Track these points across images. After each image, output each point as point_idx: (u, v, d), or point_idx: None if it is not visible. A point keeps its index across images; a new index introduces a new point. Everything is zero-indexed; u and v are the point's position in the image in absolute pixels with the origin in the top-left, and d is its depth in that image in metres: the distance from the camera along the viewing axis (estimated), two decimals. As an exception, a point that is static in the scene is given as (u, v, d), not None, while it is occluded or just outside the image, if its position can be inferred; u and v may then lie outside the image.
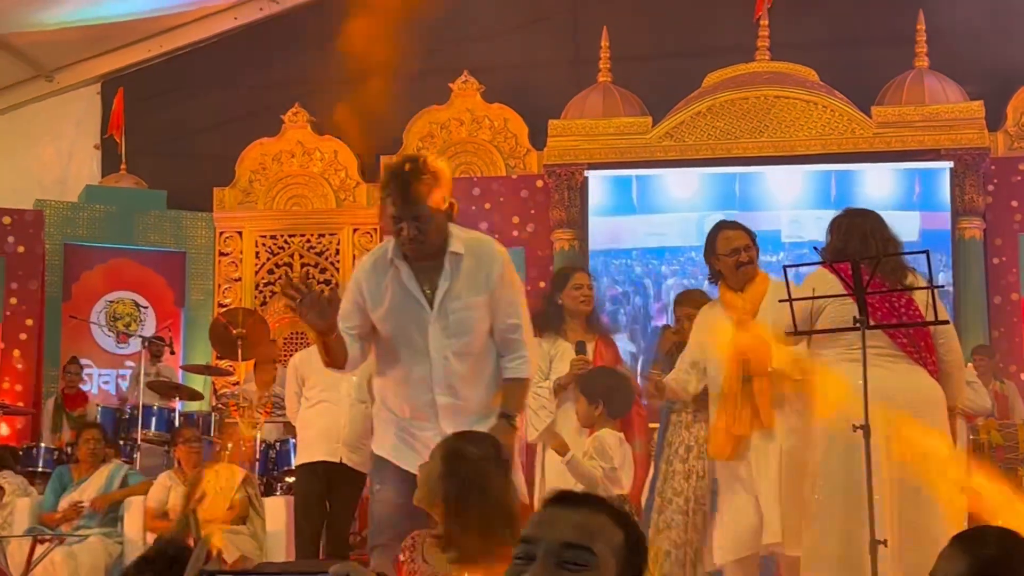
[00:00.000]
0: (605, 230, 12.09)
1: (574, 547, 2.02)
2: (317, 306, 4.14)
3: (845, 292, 4.93)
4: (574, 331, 6.44)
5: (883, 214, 5.43)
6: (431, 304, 4.34)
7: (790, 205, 11.77)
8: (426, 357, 4.40)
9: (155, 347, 11.04)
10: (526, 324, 4.37)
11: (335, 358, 4.40)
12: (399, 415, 4.46)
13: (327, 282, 12.85)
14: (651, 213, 12.04)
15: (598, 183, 12.14)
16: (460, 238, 4.34)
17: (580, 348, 6.28)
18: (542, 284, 11.85)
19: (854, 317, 4.87)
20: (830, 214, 5.53)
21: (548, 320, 6.41)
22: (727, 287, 5.86)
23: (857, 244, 5.15)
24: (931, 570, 2.72)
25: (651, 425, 7.23)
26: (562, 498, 2.13)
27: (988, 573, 2.60)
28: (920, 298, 5.11)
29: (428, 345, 4.38)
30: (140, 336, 11.34)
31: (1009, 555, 2.62)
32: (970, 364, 10.29)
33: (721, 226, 5.95)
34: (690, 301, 6.72)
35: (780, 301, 5.10)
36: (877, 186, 11.63)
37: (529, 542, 2.06)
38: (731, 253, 5.79)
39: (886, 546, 4.61)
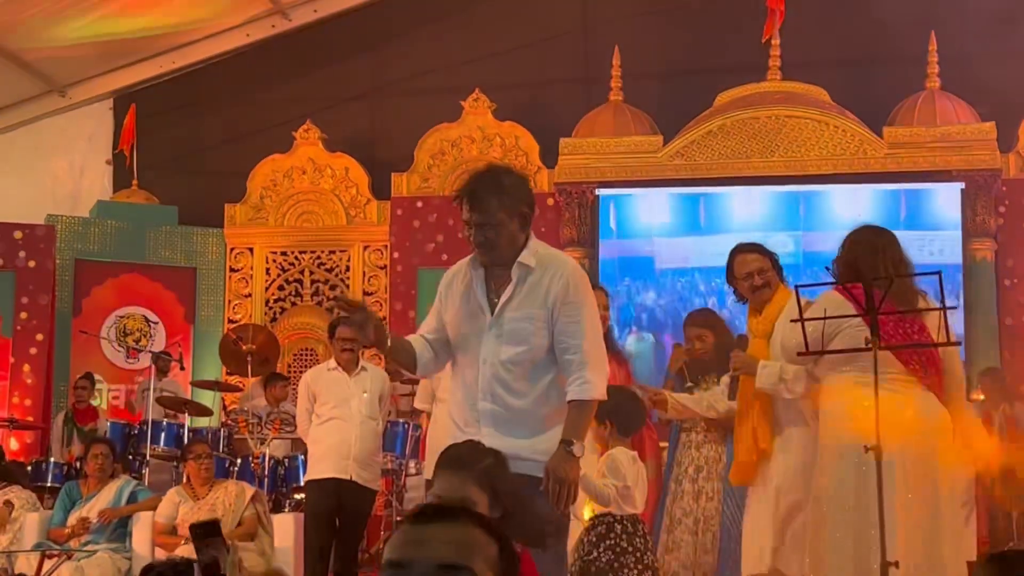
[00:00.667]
0: (672, 249, 12.07)
1: (452, 568, 1.84)
2: (363, 322, 4.32)
3: (857, 313, 4.92)
4: None
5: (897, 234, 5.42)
6: (492, 311, 4.37)
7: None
8: (478, 362, 4.44)
9: (162, 363, 11.05)
10: (590, 345, 4.30)
11: (402, 365, 4.69)
12: (456, 422, 4.50)
13: (337, 299, 12.86)
14: (717, 233, 11.94)
15: (664, 200, 12.11)
16: (535, 251, 4.39)
17: None
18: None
19: (866, 338, 4.85)
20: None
21: None
22: (751, 308, 5.88)
23: (867, 257, 5.12)
24: None
25: (662, 444, 7.22)
26: (429, 513, 1.93)
27: None
28: (931, 323, 5.09)
29: (480, 349, 4.44)
30: (150, 351, 11.35)
31: None
32: (977, 388, 10.29)
33: (738, 249, 5.95)
34: (696, 321, 6.73)
35: (792, 321, 5.09)
36: (888, 206, 11.62)
37: (399, 566, 1.86)
38: (746, 277, 5.80)
39: (898, 568, 4.59)
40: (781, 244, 10.46)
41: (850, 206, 11.60)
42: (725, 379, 6.03)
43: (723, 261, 6.01)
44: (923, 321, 5.07)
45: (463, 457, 3.63)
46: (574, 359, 4.28)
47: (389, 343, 4.43)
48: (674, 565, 6.33)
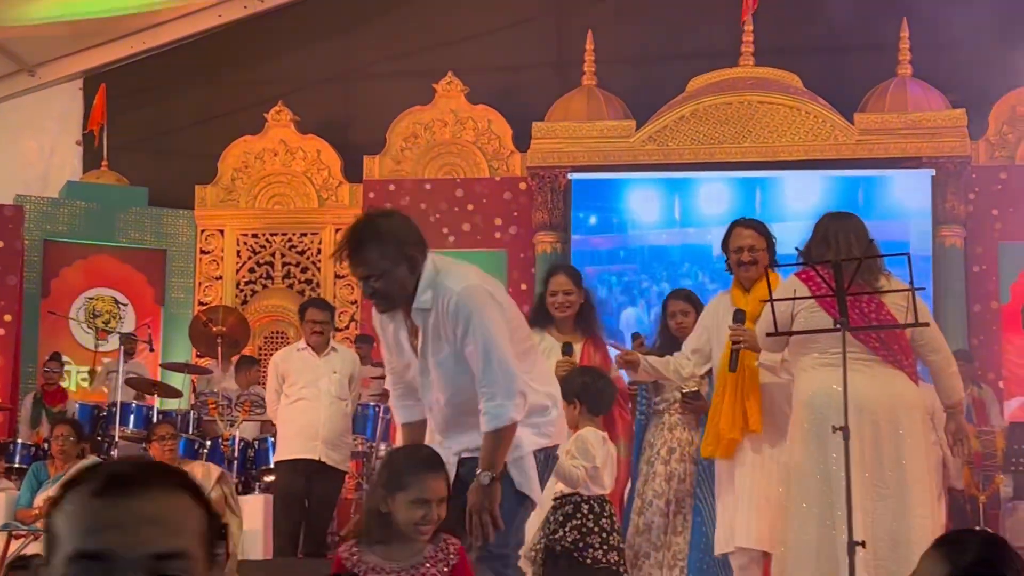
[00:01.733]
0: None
1: (168, 557, 1.43)
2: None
3: (825, 294, 4.94)
4: (562, 331, 6.40)
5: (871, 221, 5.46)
6: (416, 354, 4.34)
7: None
8: (426, 400, 4.44)
9: (128, 344, 10.98)
10: (491, 368, 4.12)
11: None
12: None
13: (308, 281, 12.84)
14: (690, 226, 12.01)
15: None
16: (430, 283, 4.21)
17: (567, 350, 6.23)
18: (524, 287, 11.88)
19: (834, 319, 4.87)
20: None
21: (537, 317, 6.39)
22: (736, 282, 5.89)
23: (819, 246, 5.17)
24: (913, 571, 2.71)
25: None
26: (123, 480, 1.46)
27: None
28: (891, 301, 5.12)
29: (423, 395, 4.42)
30: (119, 333, 11.29)
31: (989, 562, 2.61)
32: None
33: (737, 223, 5.99)
34: (680, 296, 6.76)
35: (762, 301, 5.10)
36: (859, 192, 11.67)
37: (96, 558, 1.41)
38: (736, 251, 5.83)
39: (864, 547, 4.61)
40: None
41: (817, 193, 11.62)
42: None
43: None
44: (881, 300, 5.10)
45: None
46: (482, 390, 4.16)
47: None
48: (645, 547, 6.33)
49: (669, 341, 6.54)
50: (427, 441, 4.59)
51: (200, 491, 1.57)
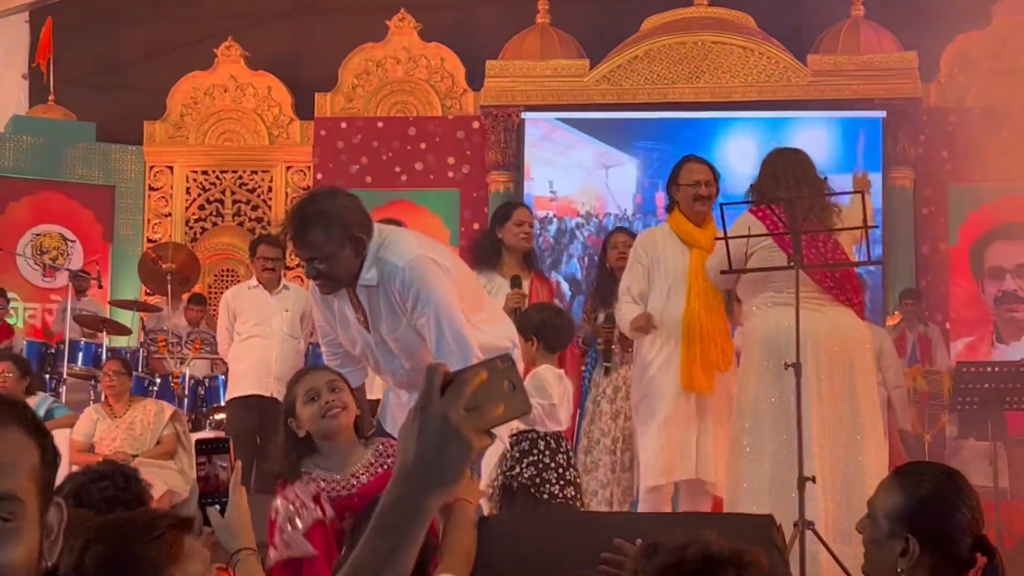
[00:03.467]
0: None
1: None
2: None
3: (780, 232, 4.97)
4: (510, 267, 6.44)
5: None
6: (367, 329, 4.30)
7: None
8: (382, 371, 4.43)
9: (79, 282, 10.87)
10: (444, 340, 4.12)
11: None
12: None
13: (259, 219, 12.74)
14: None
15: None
16: (375, 260, 4.15)
17: (516, 282, 6.30)
18: (476, 226, 11.84)
19: (788, 257, 4.90)
20: None
21: (485, 255, 6.41)
22: (685, 218, 5.87)
23: (769, 183, 5.19)
24: (869, 498, 2.75)
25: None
26: None
27: (922, 511, 2.63)
28: (845, 240, 5.16)
29: (379, 363, 4.40)
30: (67, 269, 11.18)
31: (943, 496, 2.65)
32: (896, 311, 10.47)
33: (688, 159, 6.01)
34: (625, 231, 6.83)
35: (716, 239, 5.12)
36: (812, 134, 11.70)
37: None
38: (692, 185, 5.84)
39: (815, 483, 4.67)
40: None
41: (770, 134, 11.65)
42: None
43: None
44: (836, 238, 5.14)
45: None
46: (435, 359, 4.14)
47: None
48: (593, 485, 6.39)
49: (606, 275, 6.62)
50: (392, 398, 4.63)
51: (36, 424, 1.48)
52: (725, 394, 5.72)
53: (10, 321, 11.28)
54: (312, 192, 4.33)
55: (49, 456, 1.47)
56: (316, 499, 3.61)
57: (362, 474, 3.69)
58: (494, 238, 6.49)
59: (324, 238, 4.09)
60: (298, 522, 3.55)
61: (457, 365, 4.04)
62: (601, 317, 6.53)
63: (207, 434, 8.42)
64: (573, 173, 12.19)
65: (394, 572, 1.45)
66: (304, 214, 4.11)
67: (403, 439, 1.46)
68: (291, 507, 3.58)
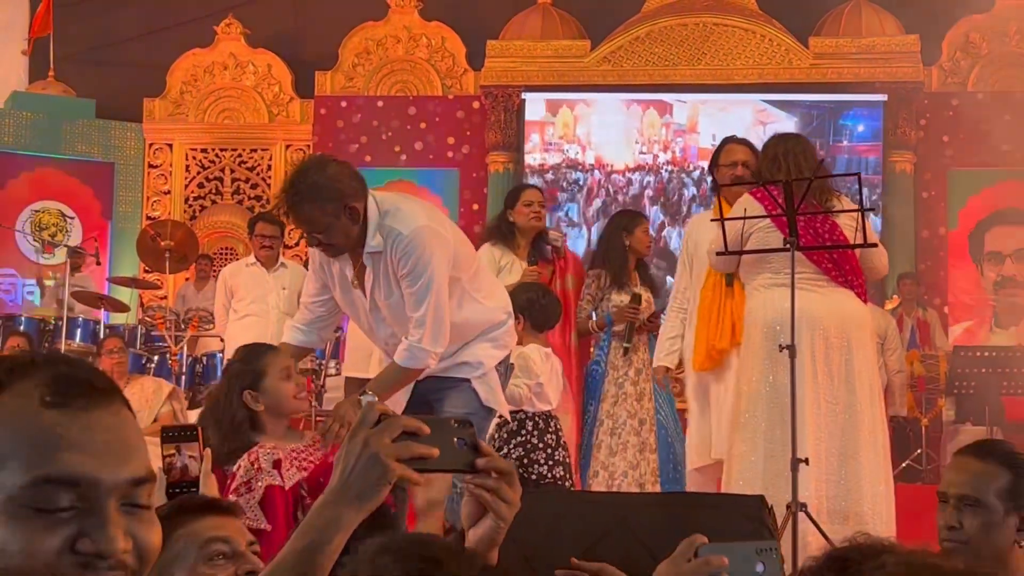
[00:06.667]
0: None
1: (142, 482, 1.28)
2: None
3: (776, 213, 4.96)
4: (523, 247, 6.47)
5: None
6: (365, 294, 4.31)
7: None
8: (376, 337, 4.46)
9: (74, 258, 10.85)
10: (432, 311, 4.15)
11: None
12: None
13: (258, 198, 12.72)
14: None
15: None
16: (379, 227, 4.16)
17: (532, 260, 6.34)
18: (476, 207, 11.84)
19: (784, 239, 4.89)
20: None
21: (501, 235, 6.46)
22: (723, 199, 5.87)
23: (770, 167, 5.19)
24: (964, 492, 2.72)
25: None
26: (71, 387, 1.26)
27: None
28: (845, 221, 5.15)
29: (372, 329, 4.42)
30: (66, 246, 11.16)
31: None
32: (895, 295, 10.47)
33: (729, 139, 6.03)
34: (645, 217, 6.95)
35: (712, 220, 5.11)
36: (812, 116, 11.68)
37: (70, 484, 1.22)
38: (731, 165, 5.84)
39: (807, 464, 4.67)
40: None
41: (772, 116, 11.65)
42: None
43: None
44: (835, 220, 5.13)
45: None
46: (409, 326, 4.20)
47: None
48: (622, 466, 6.40)
49: (621, 259, 6.56)
50: (380, 363, 4.65)
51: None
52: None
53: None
54: (303, 164, 4.24)
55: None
56: (277, 464, 3.62)
57: (312, 452, 3.72)
58: (506, 220, 6.51)
59: (319, 212, 4.09)
60: (257, 485, 3.55)
61: (427, 341, 4.11)
62: (622, 298, 6.47)
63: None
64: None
65: (306, 570, 1.60)
66: (296, 189, 4.10)
67: (336, 458, 1.65)
68: (251, 469, 3.59)
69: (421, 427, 1.65)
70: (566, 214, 12.07)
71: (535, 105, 12.13)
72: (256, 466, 3.59)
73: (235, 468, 3.62)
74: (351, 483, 1.62)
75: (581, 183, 12.10)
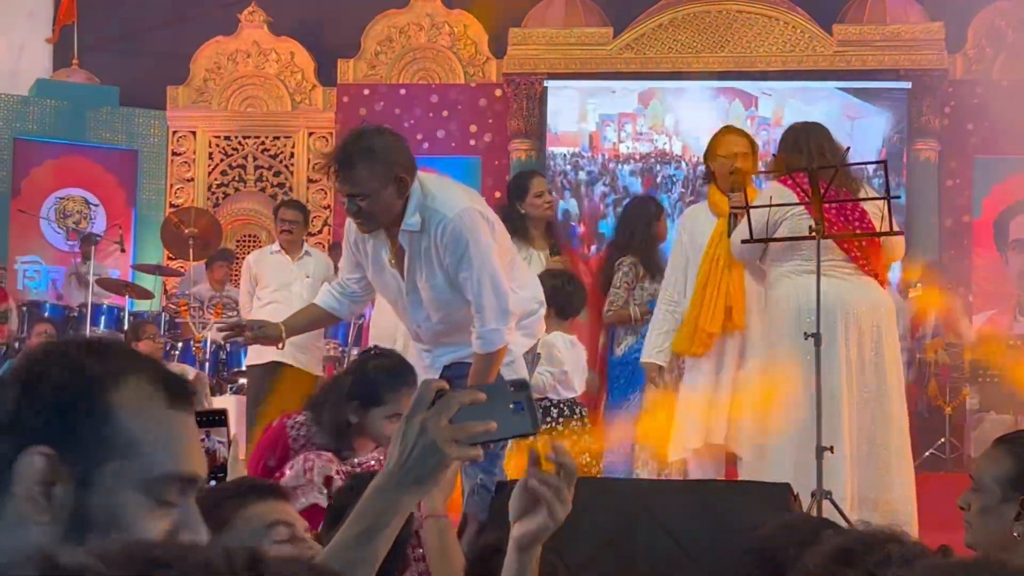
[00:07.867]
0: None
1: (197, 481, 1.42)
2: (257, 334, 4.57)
3: (802, 201, 4.95)
4: (537, 239, 6.41)
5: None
6: (402, 275, 4.30)
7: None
8: (408, 321, 4.46)
9: (86, 246, 10.88)
10: (486, 297, 4.16)
11: (317, 328, 5.10)
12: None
13: (281, 185, 12.75)
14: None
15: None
16: (419, 206, 4.16)
17: (555, 250, 6.32)
18: (498, 194, 11.80)
19: (810, 227, 4.89)
20: None
21: (513, 227, 6.39)
22: (717, 188, 5.81)
23: (791, 155, 5.18)
24: (973, 470, 2.77)
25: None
26: (181, 391, 1.42)
27: None
28: (870, 209, 5.14)
29: (406, 311, 4.42)
30: (91, 233, 11.22)
31: None
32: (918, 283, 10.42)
33: (727, 129, 5.97)
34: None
35: (732, 209, 5.10)
36: (835, 104, 11.64)
37: (191, 482, 1.38)
38: (729, 156, 5.77)
39: (832, 453, 4.67)
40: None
41: (796, 104, 11.60)
42: None
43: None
44: (863, 208, 5.12)
45: None
46: (475, 313, 4.20)
47: (284, 334, 4.54)
48: None
49: (651, 247, 6.53)
50: (403, 349, 4.64)
51: None
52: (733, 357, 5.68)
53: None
54: (360, 128, 4.29)
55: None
56: (328, 481, 3.61)
57: (370, 468, 3.70)
58: (517, 211, 6.42)
59: (368, 175, 4.10)
60: (301, 498, 3.53)
61: (495, 321, 4.11)
62: (655, 287, 6.43)
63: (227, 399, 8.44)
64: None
65: (363, 555, 1.62)
66: (351, 150, 4.13)
67: (392, 441, 1.65)
68: (301, 478, 3.57)
69: (477, 397, 1.65)
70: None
71: (597, 97, 12.05)
72: (308, 477, 3.58)
73: (287, 466, 3.62)
74: (409, 468, 1.63)
75: (671, 175, 11.99)
